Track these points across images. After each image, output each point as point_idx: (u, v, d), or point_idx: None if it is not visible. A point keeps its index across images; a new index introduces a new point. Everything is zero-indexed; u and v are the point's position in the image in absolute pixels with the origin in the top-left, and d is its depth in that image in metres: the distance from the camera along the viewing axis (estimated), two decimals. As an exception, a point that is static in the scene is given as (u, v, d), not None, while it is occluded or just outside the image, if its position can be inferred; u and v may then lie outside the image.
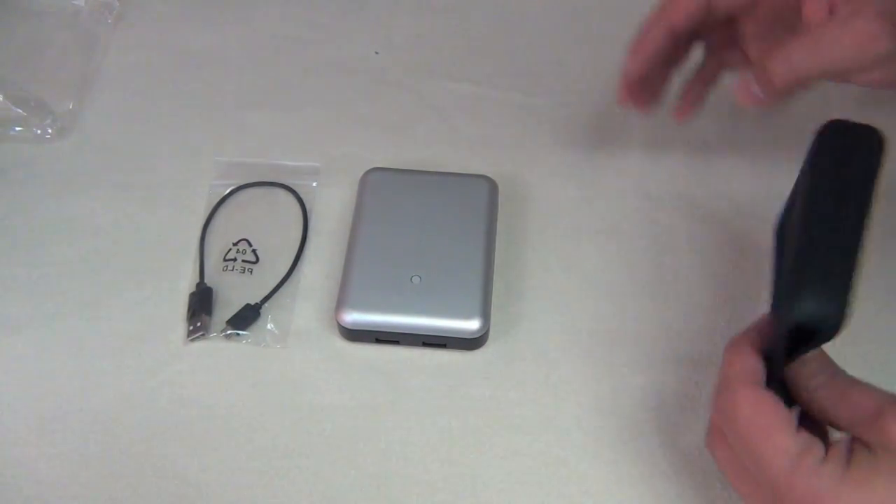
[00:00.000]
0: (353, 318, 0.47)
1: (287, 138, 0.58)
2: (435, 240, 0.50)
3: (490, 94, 0.61)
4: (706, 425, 0.41)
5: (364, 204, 0.52)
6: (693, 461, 0.44)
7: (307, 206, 0.55)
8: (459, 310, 0.47)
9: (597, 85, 0.61)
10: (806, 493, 0.34)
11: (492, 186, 0.53)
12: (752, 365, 0.38)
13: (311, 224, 0.54)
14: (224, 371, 0.48)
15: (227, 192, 0.55)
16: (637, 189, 0.55)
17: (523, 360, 0.49)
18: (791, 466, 0.35)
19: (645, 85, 0.50)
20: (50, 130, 0.58)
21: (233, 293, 0.51)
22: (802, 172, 0.40)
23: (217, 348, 0.49)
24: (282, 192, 0.55)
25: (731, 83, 0.48)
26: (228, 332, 0.49)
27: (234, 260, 0.52)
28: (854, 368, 0.38)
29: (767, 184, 0.54)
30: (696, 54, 0.51)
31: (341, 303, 0.48)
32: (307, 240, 0.53)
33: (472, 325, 0.47)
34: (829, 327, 0.36)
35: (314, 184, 0.56)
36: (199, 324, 0.49)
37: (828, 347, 0.37)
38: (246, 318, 0.49)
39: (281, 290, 0.51)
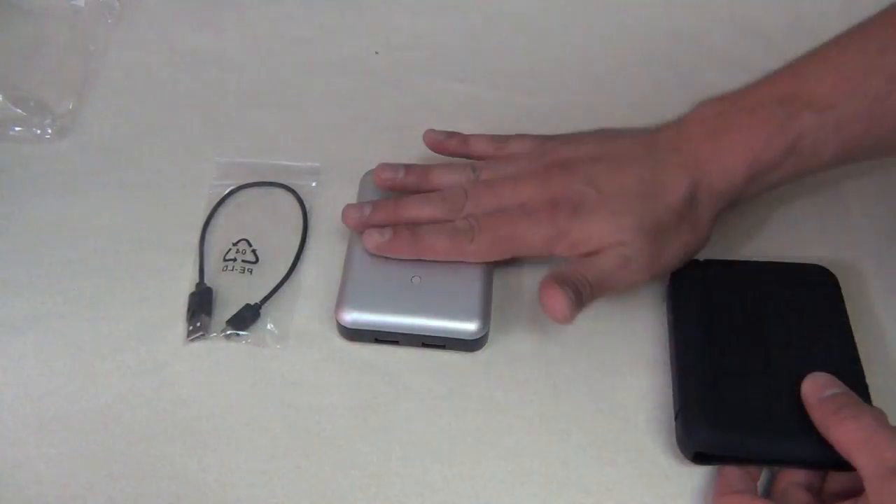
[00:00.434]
0: (352, 318, 0.47)
1: (287, 138, 0.58)
2: (435, 240, 0.50)
3: (490, 94, 0.61)
4: None
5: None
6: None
7: (307, 206, 0.55)
8: (459, 311, 0.47)
9: (597, 85, 0.61)
10: None
11: (492, 186, 0.53)
12: (734, 473, 0.42)
13: (311, 224, 0.54)
14: (224, 371, 0.48)
15: (227, 192, 0.55)
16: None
17: (523, 360, 0.48)
18: None
19: None
20: (49, 130, 0.58)
21: (233, 293, 0.51)
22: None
23: (217, 348, 0.49)
24: (282, 192, 0.55)
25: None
26: (228, 332, 0.49)
27: (234, 260, 0.52)
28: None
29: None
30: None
31: (341, 303, 0.48)
32: (307, 240, 0.53)
33: (471, 326, 0.47)
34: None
35: (314, 184, 0.56)
36: (198, 324, 0.49)
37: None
38: (246, 318, 0.49)
39: (281, 290, 0.51)
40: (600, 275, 0.45)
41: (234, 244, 0.53)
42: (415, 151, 0.57)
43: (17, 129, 0.57)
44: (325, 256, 0.52)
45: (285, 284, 0.51)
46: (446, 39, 0.64)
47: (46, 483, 0.44)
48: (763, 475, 0.44)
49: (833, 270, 0.49)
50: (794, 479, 0.42)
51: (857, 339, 0.46)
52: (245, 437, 0.46)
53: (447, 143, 0.53)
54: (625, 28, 0.65)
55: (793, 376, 0.42)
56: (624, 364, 0.48)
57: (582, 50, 0.63)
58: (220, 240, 0.53)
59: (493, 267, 0.50)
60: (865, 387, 0.43)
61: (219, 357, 0.49)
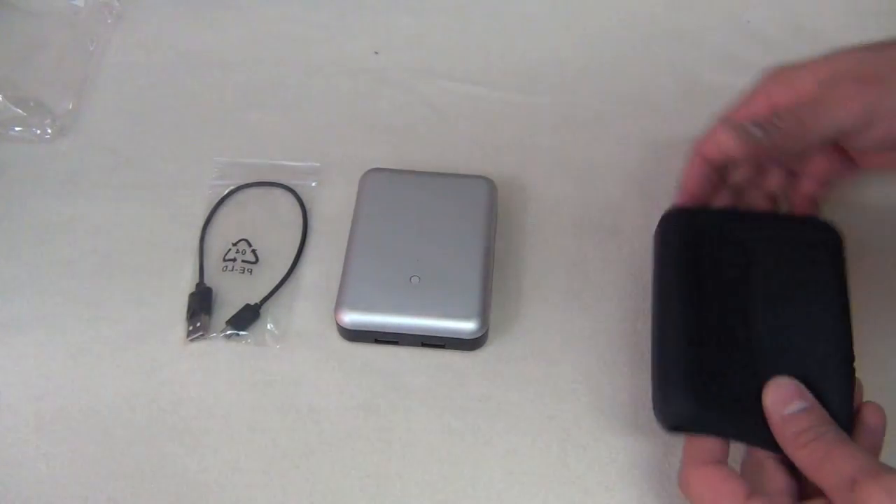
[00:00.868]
0: (352, 318, 0.47)
1: (287, 138, 0.58)
2: (434, 240, 0.50)
3: (490, 94, 0.61)
4: None
5: (363, 204, 0.52)
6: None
7: (307, 206, 0.55)
8: (458, 310, 0.47)
9: (597, 85, 0.61)
10: None
11: (491, 187, 0.53)
12: (706, 444, 0.40)
13: (311, 224, 0.54)
14: (224, 371, 0.48)
15: (227, 192, 0.55)
16: (637, 189, 0.55)
17: (523, 360, 0.49)
18: None
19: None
20: (49, 130, 0.58)
21: (232, 293, 0.51)
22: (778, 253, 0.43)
23: (217, 348, 0.49)
24: (281, 192, 0.55)
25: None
26: (228, 332, 0.49)
27: (234, 260, 0.52)
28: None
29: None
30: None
31: (340, 303, 0.48)
32: (307, 240, 0.53)
33: (470, 325, 0.47)
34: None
35: (314, 184, 0.56)
36: (198, 324, 0.49)
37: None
38: (245, 318, 0.49)
39: (280, 290, 0.51)
40: None
41: (234, 244, 0.53)
42: (415, 151, 0.57)
43: (17, 129, 0.57)
44: (325, 256, 0.52)
45: (285, 284, 0.51)
46: (446, 39, 0.64)
47: (46, 483, 0.44)
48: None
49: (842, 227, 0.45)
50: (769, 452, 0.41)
51: (855, 305, 0.42)
52: (245, 437, 0.46)
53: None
54: (625, 28, 0.65)
55: (776, 348, 0.40)
56: (624, 364, 0.48)
57: (582, 50, 0.63)
58: (219, 240, 0.53)
59: (493, 266, 0.50)
60: (851, 359, 0.41)
61: (219, 357, 0.49)
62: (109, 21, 0.64)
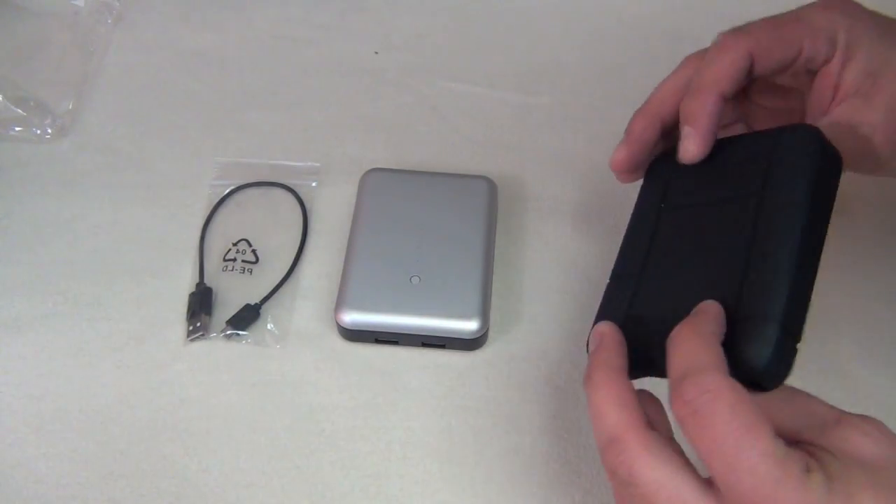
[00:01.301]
0: (352, 318, 0.48)
1: (287, 138, 0.58)
2: (434, 240, 0.50)
3: (490, 94, 0.61)
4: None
5: (364, 204, 0.52)
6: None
7: (307, 206, 0.55)
8: (459, 310, 0.47)
9: (596, 85, 0.61)
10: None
11: (491, 187, 0.53)
12: (719, 356, 0.32)
13: (311, 224, 0.54)
14: (224, 371, 0.48)
15: (227, 192, 0.55)
16: (637, 189, 0.55)
17: (523, 360, 0.49)
18: (776, 477, 0.29)
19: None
20: (49, 130, 0.58)
21: (233, 293, 0.51)
22: (753, 169, 0.38)
23: (217, 348, 0.49)
24: (282, 192, 0.55)
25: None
26: (228, 332, 0.49)
27: (234, 260, 0.52)
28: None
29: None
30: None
31: (341, 303, 0.48)
32: (307, 240, 0.53)
33: (471, 325, 0.47)
34: (770, 384, 0.33)
35: (314, 184, 0.56)
36: (198, 324, 0.49)
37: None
38: (246, 318, 0.49)
39: (281, 290, 0.51)
40: None
41: (234, 244, 0.53)
42: (415, 151, 0.57)
43: (17, 129, 0.57)
44: (325, 256, 0.52)
45: (285, 284, 0.51)
46: (446, 39, 0.64)
47: (46, 483, 0.44)
48: None
49: None
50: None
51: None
52: (245, 437, 0.46)
53: None
54: (625, 28, 0.65)
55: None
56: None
57: (582, 50, 0.63)
58: (220, 240, 0.53)
59: (493, 266, 0.50)
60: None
61: (219, 357, 0.49)
62: (109, 21, 0.64)
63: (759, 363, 0.32)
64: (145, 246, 0.53)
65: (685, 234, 0.40)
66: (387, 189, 0.53)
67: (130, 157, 0.57)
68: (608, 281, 0.42)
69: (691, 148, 0.41)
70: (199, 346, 0.49)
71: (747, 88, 0.43)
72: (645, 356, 0.36)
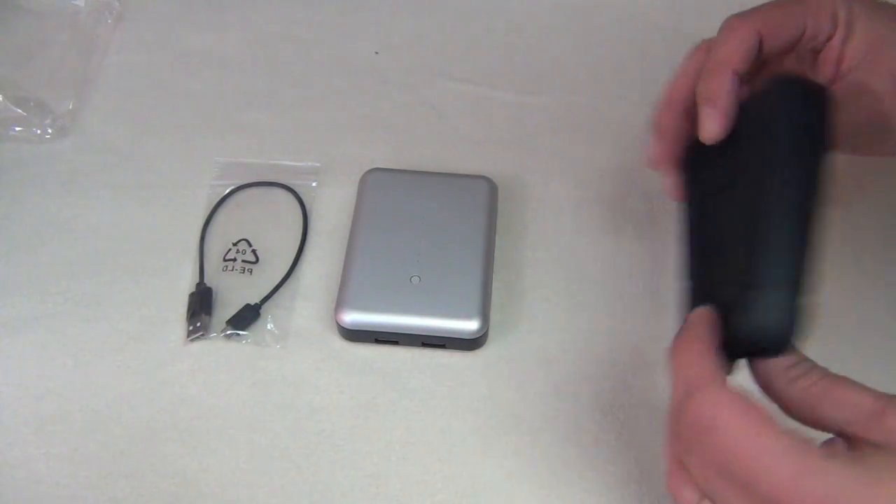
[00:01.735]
0: (352, 318, 0.48)
1: (287, 138, 0.58)
2: (434, 240, 0.50)
3: (490, 94, 0.61)
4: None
5: (364, 204, 0.52)
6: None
7: (307, 206, 0.55)
8: (459, 310, 0.47)
9: (596, 85, 0.61)
10: (820, 497, 0.30)
11: (491, 187, 0.53)
12: (715, 365, 0.34)
13: (311, 224, 0.54)
14: (224, 371, 0.48)
15: (227, 192, 0.55)
16: (637, 189, 0.55)
17: (523, 360, 0.49)
18: (796, 469, 0.30)
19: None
20: (50, 130, 0.58)
21: (233, 293, 0.51)
22: (746, 136, 0.39)
23: (217, 348, 0.49)
24: (282, 192, 0.55)
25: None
26: (228, 332, 0.49)
27: (234, 260, 0.52)
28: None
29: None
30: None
31: (341, 303, 0.48)
32: (307, 240, 0.53)
33: (471, 325, 0.47)
34: (775, 346, 0.33)
35: (314, 184, 0.56)
36: (198, 324, 0.49)
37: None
38: (246, 318, 0.49)
39: (281, 290, 0.51)
40: None
41: (234, 244, 0.53)
42: (415, 151, 0.57)
43: (17, 129, 0.57)
44: (325, 256, 0.52)
45: (285, 284, 0.51)
46: (446, 39, 0.64)
47: (46, 483, 0.44)
48: None
49: None
50: None
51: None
52: (245, 437, 0.46)
53: None
54: (625, 28, 0.65)
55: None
56: (624, 364, 0.48)
57: (581, 50, 0.63)
58: (219, 240, 0.53)
59: (493, 266, 0.50)
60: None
61: (219, 357, 0.49)
62: (109, 21, 0.64)
63: (742, 334, 0.33)
64: (145, 246, 0.53)
65: (720, 218, 0.40)
66: (387, 189, 0.53)
67: (130, 158, 0.57)
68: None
69: (712, 127, 0.41)
70: (199, 346, 0.49)
71: (756, 75, 0.43)
72: None
